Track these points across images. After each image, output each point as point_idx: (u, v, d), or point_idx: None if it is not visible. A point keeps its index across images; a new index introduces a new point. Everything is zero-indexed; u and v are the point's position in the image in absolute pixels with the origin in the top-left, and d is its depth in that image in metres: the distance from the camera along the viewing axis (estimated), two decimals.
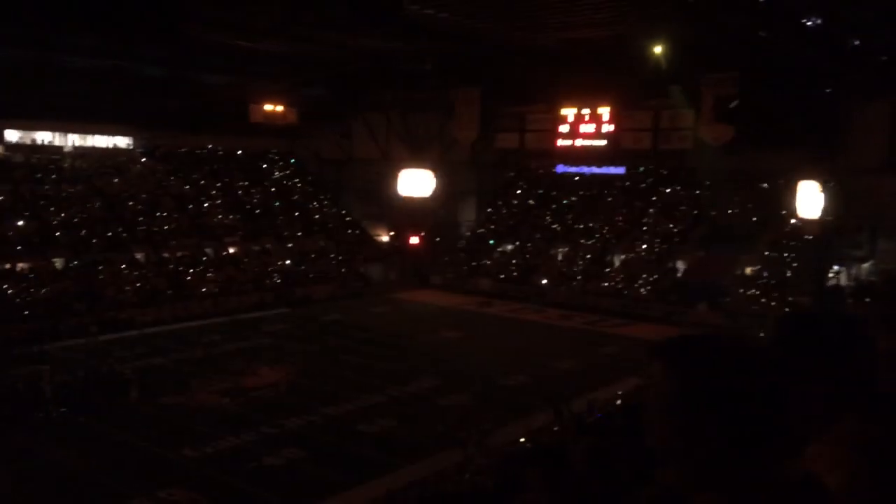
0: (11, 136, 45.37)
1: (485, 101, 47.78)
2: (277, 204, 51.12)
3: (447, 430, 21.08)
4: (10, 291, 34.33)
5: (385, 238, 53.93)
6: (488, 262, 48.74)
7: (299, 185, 55.01)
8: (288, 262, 45.77)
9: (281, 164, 56.09)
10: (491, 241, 50.48)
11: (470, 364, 29.48)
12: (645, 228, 45.73)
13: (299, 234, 48.81)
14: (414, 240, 51.11)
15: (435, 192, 46.26)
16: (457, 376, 27.65)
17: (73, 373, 25.20)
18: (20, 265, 36.47)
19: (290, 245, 47.45)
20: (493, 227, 52.20)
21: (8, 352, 29.33)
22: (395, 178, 45.81)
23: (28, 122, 45.59)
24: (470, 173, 53.70)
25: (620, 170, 48.65)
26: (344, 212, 54.36)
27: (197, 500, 17.20)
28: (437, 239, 51.92)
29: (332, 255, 48.16)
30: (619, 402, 20.40)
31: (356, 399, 24.83)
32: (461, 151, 51.69)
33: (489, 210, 53.93)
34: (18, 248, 37.12)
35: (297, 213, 51.08)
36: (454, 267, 49.61)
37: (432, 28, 33.53)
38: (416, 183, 46.07)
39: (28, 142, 46.27)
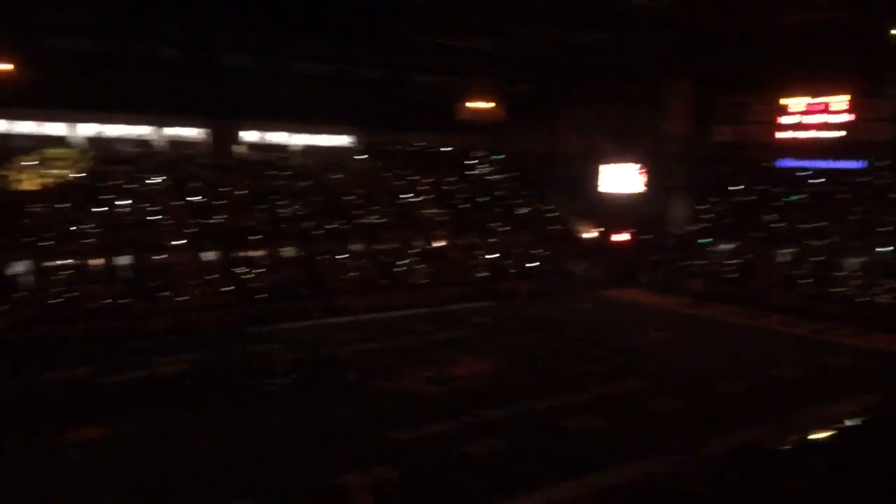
0: (249, 136, 50.37)
1: (698, 92, 45.30)
2: (483, 199, 51.99)
3: (656, 434, 20.13)
4: (246, 276, 37.98)
5: (591, 234, 52.91)
6: (701, 262, 46.13)
7: (505, 180, 55.60)
8: (493, 256, 46.37)
9: (486, 159, 57.07)
10: (705, 240, 47.73)
11: (680, 367, 28.05)
12: (886, 229, 40.84)
13: (505, 228, 49.28)
14: (621, 236, 49.67)
15: (643, 187, 44.53)
16: (666, 379, 26.41)
17: (299, 352, 27.27)
18: (255, 253, 40.25)
19: (495, 240, 48.06)
20: (706, 224, 49.34)
21: (247, 331, 32.72)
22: (599, 173, 44.78)
23: (263, 123, 50.33)
24: (681, 168, 51.17)
25: (858, 164, 43.88)
26: (549, 207, 54.08)
27: (404, 481, 17.83)
28: (646, 236, 50.05)
29: (538, 251, 48.10)
30: (857, 418, 18.32)
31: (560, 395, 24.50)
32: (672, 145, 49.44)
33: (702, 207, 51.05)
34: (255, 237, 40.98)
35: (502, 209, 51.64)
36: (663, 266, 47.54)
37: (646, 17, 32.29)
38: (622, 178, 44.49)
39: (263, 141, 51.15)
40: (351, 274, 40.67)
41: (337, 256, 41.65)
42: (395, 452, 19.72)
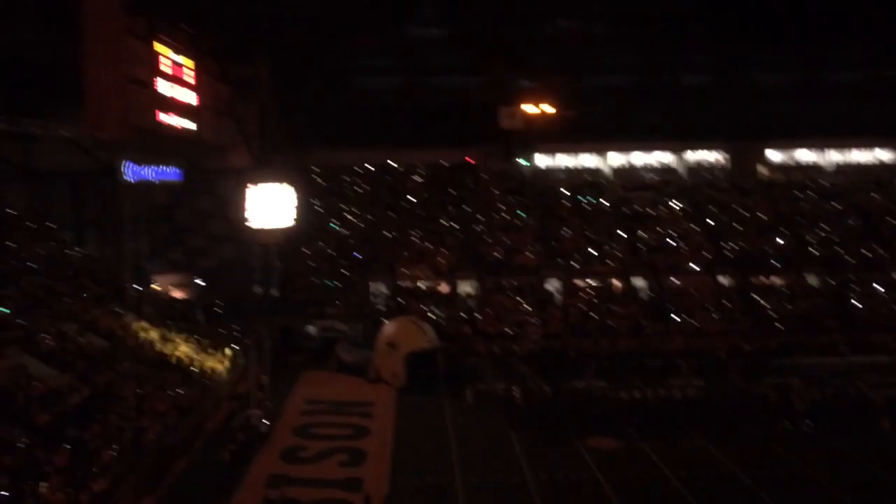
0: (773, 156, 47.80)
1: None
2: None
3: None
4: (765, 304, 35.89)
5: None
6: None
7: None
8: None
9: None
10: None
11: None
12: None
13: None
14: None
15: None
16: None
17: (821, 390, 24.55)
18: (776, 280, 37.79)
19: None
20: None
21: (761, 361, 30.87)
22: None
23: (788, 141, 47.23)
24: None
25: None
26: None
27: None
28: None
29: None
30: None
31: None
32: None
33: None
34: (776, 263, 38.54)
35: None
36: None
37: None
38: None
39: (788, 161, 48.00)
40: (892, 307, 35.16)
41: (874, 286, 36.47)
42: None
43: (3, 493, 14.60)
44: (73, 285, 27.38)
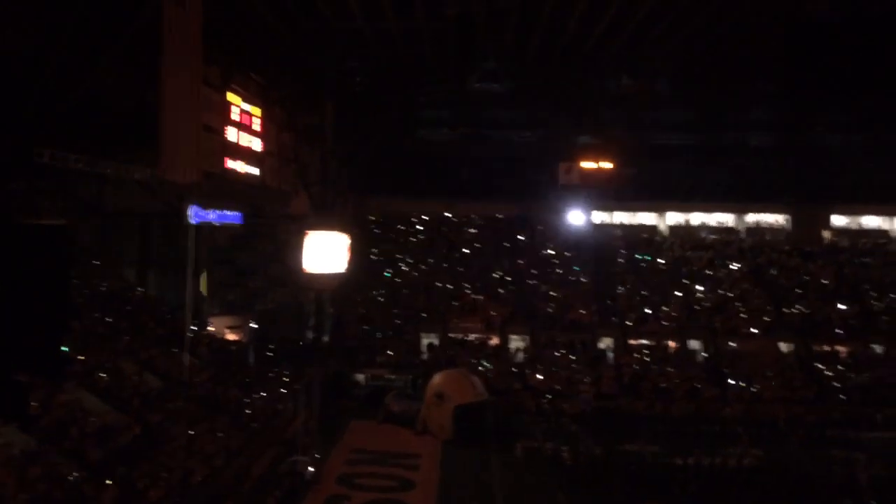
0: (838, 220, 46.52)
1: None
2: None
3: None
4: (828, 373, 34.55)
5: None
6: None
7: None
8: None
9: None
10: None
11: None
12: None
13: None
14: None
15: None
16: None
17: (887, 465, 23.33)
18: (840, 348, 36.42)
19: None
20: None
21: (824, 433, 29.57)
22: None
23: (855, 206, 45.97)
24: None
25: None
26: None
27: None
28: None
29: None
30: None
31: None
32: None
33: None
34: (839, 331, 37.20)
35: None
36: None
37: None
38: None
39: (854, 226, 46.68)
40: None
41: None
42: None
43: None
44: (133, 323, 28.13)
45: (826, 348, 36.51)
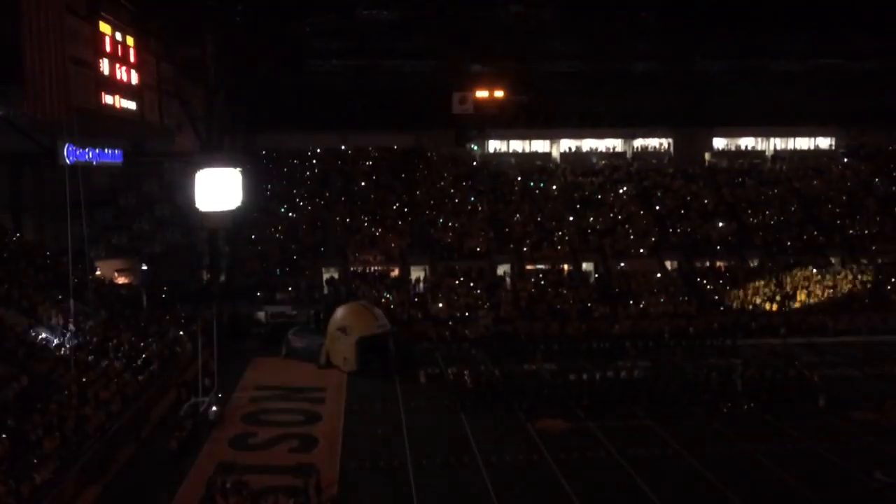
0: (717, 143, 48.89)
1: None
2: None
3: None
4: (707, 287, 36.83)
5: None
6: None
7: None
8: None
9: None
10: None
11: None
12: None
13: None
14: None
15: None
16: None
17: (761, 371, 25.34)
18: (718, 263, 38.78)
19: None
20: None
21: (703, 342, 31.71)
22: None
23: (733, 129, 48.34)
24: None
25: None
26: None
27: None
28: None
29: None
30: None
31: None
32: None
33: None
34: (717, 247, 39.54)
35: None
36: None
37: None
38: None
39: (732, 148, 49.22)
40: (827, 290, 36.42)
41: (813, 270, 37.67)
42: (873, 495, 17.19)
43: None
44: (12, 271, 26.53)
45: (706, 264, 38.82)
